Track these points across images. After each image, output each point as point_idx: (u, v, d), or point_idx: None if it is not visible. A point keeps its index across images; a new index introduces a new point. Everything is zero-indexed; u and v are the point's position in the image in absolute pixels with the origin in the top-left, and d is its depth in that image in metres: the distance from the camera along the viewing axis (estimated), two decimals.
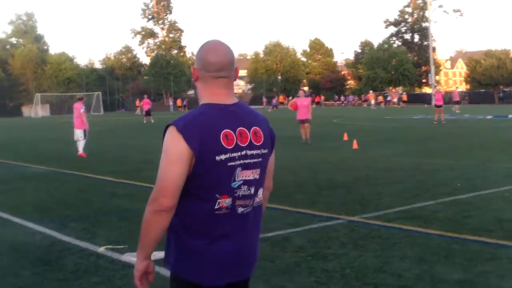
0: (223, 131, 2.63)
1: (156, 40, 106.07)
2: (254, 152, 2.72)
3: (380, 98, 77.23)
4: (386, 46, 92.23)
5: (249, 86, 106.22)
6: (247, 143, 2.69)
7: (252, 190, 2.73)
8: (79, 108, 19.09)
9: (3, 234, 8.21)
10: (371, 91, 77.25)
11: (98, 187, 12.23)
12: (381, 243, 7.04)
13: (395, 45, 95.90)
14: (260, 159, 2.75)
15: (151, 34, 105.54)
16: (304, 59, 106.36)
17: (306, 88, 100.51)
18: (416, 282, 5.63)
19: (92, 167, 15.33)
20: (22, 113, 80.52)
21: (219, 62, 2.72)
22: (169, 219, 2.62)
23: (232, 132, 2.65)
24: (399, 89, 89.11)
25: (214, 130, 2.61)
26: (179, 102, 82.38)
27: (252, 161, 2.71)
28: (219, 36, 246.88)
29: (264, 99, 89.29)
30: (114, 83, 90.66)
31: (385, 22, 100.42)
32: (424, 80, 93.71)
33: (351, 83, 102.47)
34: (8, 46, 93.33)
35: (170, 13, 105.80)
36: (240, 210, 2.70)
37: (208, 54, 2.74)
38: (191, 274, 2.70)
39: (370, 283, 5.62)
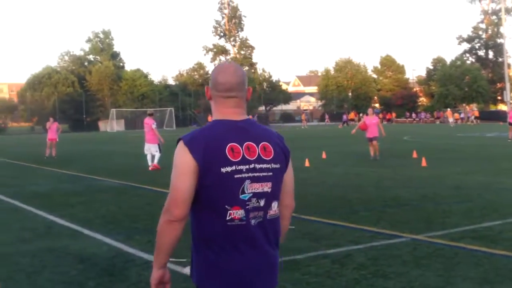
0: (229, 145, 2.72)
1: (228, 57, 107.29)
2: (264, 166, 2.77)
3: (456, 115, 75.59)
4: (459, 62, 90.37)
5: (319, 103, 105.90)
6: (255, 157, 2.76)
7: (262, 203, 2.78)
8: (150, 123, 19.66)
9: (73, 245, 8.48)
10: (448, 109, 75.97)
11: (160, 200, 12.43)
12: (444, 263, 6.91)
13: (468, 62, 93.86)
14: (270, 173, 2.80)
15: (222, 51, 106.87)
16: (375, 75, 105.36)
17: (377, 105, 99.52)
18: None
19: (161, 181, 15.61)
20: (98, 127, 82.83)
21: (228, 82, 2.84)
22: (180, 228, 2.71)
23: (238, 146, 2.74)
24: (473, 106, 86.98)
25: (219, 143, 2.71)
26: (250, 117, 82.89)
27: (261, 174, 2.76)
28: (290, 53, 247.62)
29: (327, 116, 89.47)
30: (187, 99, 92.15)
31: (458, 38, 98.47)
32: (499, 97, 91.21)
33: (422, 100, 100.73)
34: (86, 63, 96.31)
35: (242, 30, 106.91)
36: (253, 222, 2.75)
37: (218, 75, 2.86)
38: (210, 286, 2.74)
39: None
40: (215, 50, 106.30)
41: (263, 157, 2.79)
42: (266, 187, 2.79)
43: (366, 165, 19.39)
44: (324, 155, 23.01)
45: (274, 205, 2.86)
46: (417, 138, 38.57)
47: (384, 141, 25.96)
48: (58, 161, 24.33)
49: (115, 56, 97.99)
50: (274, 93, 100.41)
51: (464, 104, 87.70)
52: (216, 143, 2.71)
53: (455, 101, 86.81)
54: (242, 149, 2.75)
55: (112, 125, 78.52)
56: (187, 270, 6.81)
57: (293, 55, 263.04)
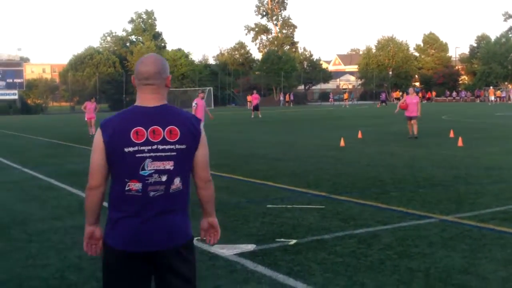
0: (135, 128, 3.22)
1: (269, 36, 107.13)
2: (167, 147, 3.24)
3: (498, 93, 74.19)
4: (503, 40, 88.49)
5: (359, 82, 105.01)
6: (159, 139, 3.24)
7: (164, 178, 3.24)
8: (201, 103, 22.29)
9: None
10: (490, 87, 74.67)
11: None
12: (471, 244, 6.89)
13: None
14: (174, 153, 3.26)
15: (264, 30, 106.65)
16: (417, 54, 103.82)
17: (417, 84, 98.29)
18: (501, 285, 5.50)
19: None
20: None
21: (146, 72, 3.32)
22: (97, 195, 3.33)
23: (143, 129, 3.23)
24: None
25: (126, 126, 3.23)
26: (287, 97, 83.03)
27: (164, 154, 3.24)
28: (331, 32, 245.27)
29: (331, 95, 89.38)
30: (226, 78, 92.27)
31: (504, 15, 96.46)
32: None
33: (464, 78, 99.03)
34: (127, 44, 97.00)
35: (284, 9, 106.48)
36: (151, 194, 3.23)
37: (139, 65, 3.35)
38: (109, 239, 3.31)
39: (453, 284, 5.53)
40: (257, 29, 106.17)
41: (167, 139, 3.24)
42: (168, 165, 3.25)
43: (402, 145, 19.26)
44: (360, 135, 22.91)
45: (177, 180, 3.29)
46: (455, 117, 38.07)
47: (422, 120, 25.68)
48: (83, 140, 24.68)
49: (157, 36, 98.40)
50: (314, 72, 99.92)
51: (506, 83, 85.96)
52: (122, 127, 3.23)
53: (497, 80, 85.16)
54: (147, 132, 3.23)
55: None
56: (214, 249, 6.93)
57: (335, 33, 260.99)
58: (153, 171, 3.22)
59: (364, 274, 5.92)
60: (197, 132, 3.35)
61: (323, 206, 9.28)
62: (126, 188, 3.22)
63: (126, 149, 3.19)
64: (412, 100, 22.23)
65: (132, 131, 3.21)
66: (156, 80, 3.33)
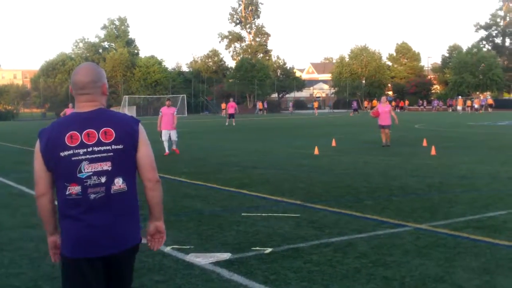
0: (69, 133, 3.29)
1: (243, 44, 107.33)
2: (103, 148, 3.30)
3: (469, 102, 75.09)
4: (475, 50, 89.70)
5: (332, 90, 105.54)
6: (94, 141, 3.29)
7: (104, 179, 3.30)
8: (172, 111, 21.06)
9: None
10: (459, 97, 75.63)
11: (172, 187, 12.49)
12: (445, 252, 6.92)
13: (484, 49, 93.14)
14: (111, 154, 3.31)
15: (238, 38, 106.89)
16: (390, 63, 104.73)
17: (390, 93, 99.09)
18: None
19: (169, 168, 15.70)
20: None
21: (80, 82, 3.39)
22: (45, 202, 3.38)
23: (77, 133, 3.29)
24: (487, 94, 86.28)
25: (60, 132, 3.30)
26: (259, 105, 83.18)
27: (100, 155, 3.29)
28: (305, 40, 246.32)
29: (291, 104, 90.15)
30: (200, 86, 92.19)
31: (475, 25, 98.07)
32: None
33: (436, 87, 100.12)
34: (100, 50, 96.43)
35: (258, 17, 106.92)
36: (92, 196, 3.27)
37: (74, 76, 3.44)
38: (62, 247, 3.38)
39: None
40: (230, 37, 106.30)
41: (103, 140, 3.30)
42: (106, 166, 3.30)
43: (376, 153, 19.36)
44: (334, 143, 22.99)
45: (118, 181, 3.33)
46: (428, 126, 38.44)
47: (395, 129, 25.89)
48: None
49: (130, 43, 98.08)
50: (287, 80, 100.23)
51: (477, 92, 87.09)
52: (57, 133, 3.30)
53: (469, 89, 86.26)
54: (81, 136, 3.29)
55: (124, 112, 78.59)
56: (189, 257, 6.89)
57: (308, 42, 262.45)
58: (91, 173, 3.27)
59: (340, 282, 5.91)
60: (134, 131, 3.40)
61: (298, 215, 9.27)
62: (67, 193, 3.27)
63: (61, 154, 3.26)
64: (384, 109, 22.27)
65: (67, 135, 3.28)
66: (91, 89, 3.40)
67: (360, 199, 10.69)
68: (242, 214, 9.39)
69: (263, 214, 9.34)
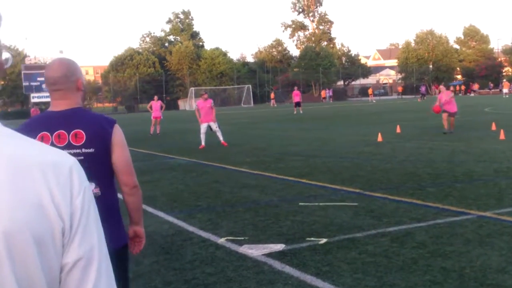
0: (40, 134, 3.16)
1: (306, 33, 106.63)
2: (73, 151, 3.11)
3: None
4: None
5: (399, 76, 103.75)
6: (65, 144, 3.14)
7: None
8: (210, 103, 20.64)
9: None
10: (504, 80, 73.01)
11: (232, 178, 12.45)
12: (510, 242, 6.58)
13: None
14: (81, 157, 3.11)
15: (301, 27, 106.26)
16: (457, 46, 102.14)
17: (459, 76, 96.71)
18: None
19: (231, 159, 15.68)
20: (178, 106, 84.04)
21: (51, 77, 3.22)
22: None
23: (49, 134, 3.17)
24: None
25: (32, 133, 3.06)
26: (323, 93, 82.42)
27: None
28: (369, 27, 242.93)
29: (369, 91, 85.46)
30: (265, 76, 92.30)
31: None
32: None
33: (507, 70, 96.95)
34: (166, 44, 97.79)
35: (321, 5, 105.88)
36: None
37: (46, 72, 3.28)
38: None
39: (489, 284, 5.27)
40: (293, 26, 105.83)
41: (73, 143, 3.16)
42: None
43: (441, 139, 18.81)
44: (398, 129, 22.50)
45: (91, 186, 3.09)
46: (499, 109, 37.17)
47: (463, 113, 25.14)
48: (130, 140, 24.73)
49: (194, 35, 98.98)
50: (353, 67, 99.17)
51: None
52: (29, 133, 2.96)
53: None
54: (52, 138, 3.16)
55: (191, 104, 79.30)
56: (243, 249, 6.79)
57: (373, 28, 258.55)
58: None
59: (395, 274, 5.69)
60: (106, 133, 3.24)
61: (356, 203, 9.05)
62: None
63: None
64: (446, 98, 21.62)
65: (38, 136, 3.14)
66: (62, 84, 3.22)
67: (422, 186, 10.36)
68: (300, 204, 9.24)
69: (321, 204, 9.16)
